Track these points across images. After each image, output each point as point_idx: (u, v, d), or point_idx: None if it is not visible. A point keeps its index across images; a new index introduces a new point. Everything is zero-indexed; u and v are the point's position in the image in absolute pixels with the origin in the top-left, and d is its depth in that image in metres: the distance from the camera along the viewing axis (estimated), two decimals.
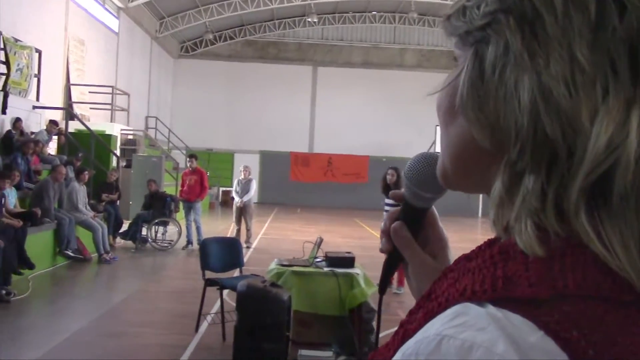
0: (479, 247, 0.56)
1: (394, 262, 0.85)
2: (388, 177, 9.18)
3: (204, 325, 6.57)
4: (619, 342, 0.47)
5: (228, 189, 29.11)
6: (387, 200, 9.24)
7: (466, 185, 0.63)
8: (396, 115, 31.02)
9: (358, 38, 32.25)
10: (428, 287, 0.79)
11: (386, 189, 9.18)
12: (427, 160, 0.79)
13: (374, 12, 31.06)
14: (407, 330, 0.54)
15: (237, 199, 13.19)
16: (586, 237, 0.50)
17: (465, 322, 0.48)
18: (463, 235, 19.24)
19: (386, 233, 0.82)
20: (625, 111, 0.49)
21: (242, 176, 13.28)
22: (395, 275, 9.17)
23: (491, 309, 0.49)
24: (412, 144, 30.31)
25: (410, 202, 0.81)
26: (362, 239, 16.41)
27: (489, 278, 0.51)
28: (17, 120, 11.62)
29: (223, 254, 6.79)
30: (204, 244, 6.79)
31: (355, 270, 5.94)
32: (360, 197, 30.18)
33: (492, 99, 0.53)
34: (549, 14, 0.51)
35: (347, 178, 31.36)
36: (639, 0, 0.50)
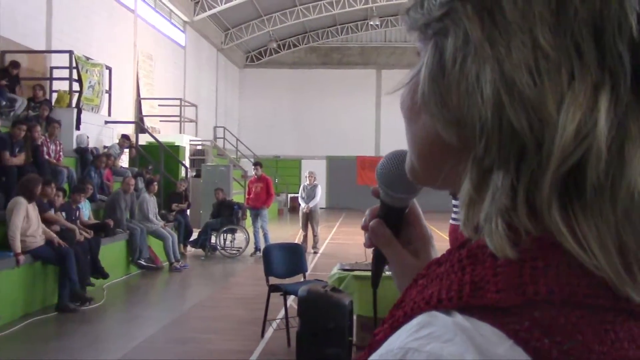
0: (449, 251, 0.53)
1: (381, 256, 0.83)
2: None
3: (269, 331, 6.64)
4: (594, 351, 0.44)
5: (296, 195, 29.32)
6: (454, 201, 9.08)
7: (435, 182, 0.59)
8: None
9: None
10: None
11: None
12: (396, 160, 0.75)
13: None
14: (374, 342, 0.51)
15: (303, 204, 13.29)
16: (559, 235, 0.46)
17: (430, 333, 0.45)
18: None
19: (366, 228, 0.81)
20: (593, 96, 0.46)
21: (308, 182, 13.38)
22: None
23: (459, 318, 0.45)
24: None
25: (384, 201, 0.79)
26: None
27: (456, 284, 0.47)
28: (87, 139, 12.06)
29: (286, 260, 6.83)
30: (267, 250, 6.86)
31: None
32: (426, 198, 29.56)
33: (454, 93, 0.50)
34: None
35: None
36: None
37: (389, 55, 32.00)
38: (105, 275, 9.05)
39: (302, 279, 7.12)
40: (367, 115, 31.71)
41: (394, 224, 0.79)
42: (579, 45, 0.46)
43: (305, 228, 13.31)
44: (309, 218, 13.21)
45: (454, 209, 9.09)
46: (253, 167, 13.70)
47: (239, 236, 13.49)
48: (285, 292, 6.33)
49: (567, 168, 0.45)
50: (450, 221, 9.19)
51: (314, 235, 13.37)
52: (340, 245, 15.03)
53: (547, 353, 0.43)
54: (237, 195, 17.84)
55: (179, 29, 22.38)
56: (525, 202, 0.47)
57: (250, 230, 13.29)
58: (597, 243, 0.45)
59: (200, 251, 12.94)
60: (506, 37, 0.47)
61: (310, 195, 13.26)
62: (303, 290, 5.24)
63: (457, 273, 0.48)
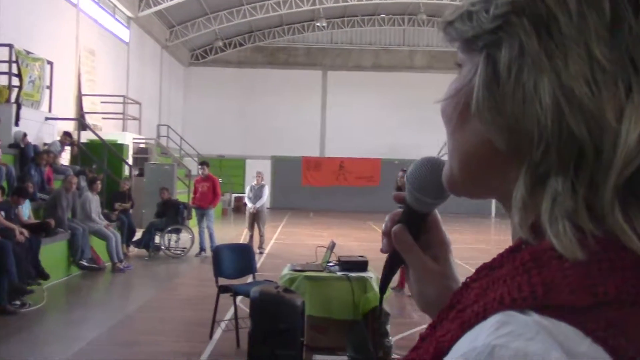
0: (501, 255, 0.55)
1: (395, 263, 0.83)
2: (398, 179, 9.18)
3: (217, 333, 6.57)
4: None
5: (240, 195, 29.16)
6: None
7: (474, 190, 0.62)
8: (407, 117, 30.96)
9: (367, 41, 32.25)
10: (433, 291, 0.77)
11: (399, 191, 9.18)
12: (431, 166, 0.77)
13: (382, 15, 31.03)
14: (440, 342, 0.52)
15: (250, 205, 13.23)
16: (624, 236, 0.48)
17: (512, 331, 0.46)
18: (478, 236, 19.15)
19: (387, 234, 0.81)
20: None
21: (255, 182, 13.33)
22: (396, 277, 9.15)
23: (536, 317, 0.47)
24: (424, 145, 30.23)
25: (411, 206, 0.79)
26: (375, 242, 16.35)
27: (526, 285, 0.49)
28: (24, 136, 11.63)
29: (236, 261, 6.79)
30: (216, 251, 6.79)
31: (369, 274, 5.91)
32: (373, 200, 30.11)
33: (509, 102, 0.53)
34: (563, 14, 0.51)
35: (359, 181, 31.32)
36: None
37: (335, 57, 32.17)
38: (45, 276, 8.77)
39: (251, 280, 7.09)
40: (312, 116, 31.78)
41: (415, 230, 0.80)
42: (633, 59, 0.49)
43: (251, 228, 13.24)
44: (256, 218, 13.16)
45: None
46: (199, 166, 13.55)
47: (184, 236, 13.31)
48: (235, 292, 6.28)
49: (629, 173, 0.48)
50: None
51: (260, 236, 13.34)
52: (285, 246, 15.03)
53: (625, 352, 0.45)
54: (181, 195, 17.60)
55: (122, 24, 21.90)
56: (584, 204, 0.49)
57: (196, 230, 13.14)
58: None
59: (143, 251, 12.70)
60: (562, 50, 0.50)
61: (258, 195, 13.21)
62: (255, 291, 5.22)
63: (523, 275, 0.49)
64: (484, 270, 0.55)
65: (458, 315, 0.52)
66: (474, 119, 0.57)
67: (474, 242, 17.03)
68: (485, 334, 0.47)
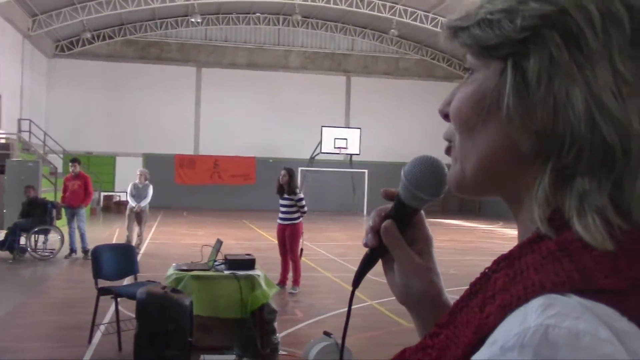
0: (519, 247, 0.59)
1: (375, 257, 0.86)
2: (280, 177, 9.26)
3: (97, 336, 6.32)
4: None
5: (110, 193, 28.10)
6: (282, 201, 9.32)
7: (484, 190, 0.67)
8: (282, 116, 31.21)
9: (242, 39, 32.13)
10: (419, 285, 0.81)
11: (280, 189, 9.29)
12: (431, 165, 0.81)
13: (257, 14, 31.05)
14: (482, 324, 0.55)
15: (133, 203, 12.78)
16: None
17: (559, 312, 0.50)
18: (349, 233, 19.68)
19: (375, 229, 0.83)
20: None
21: (139, 180, 12.93)
22: (290, 276, 9.27)
23: (577, 298, 0.51)
24: (299, 144, 30.66)
25: (405, 202, 0.82)
26: (253, 240, 16.39)
27: (563, 272, 0.53)
28: None
29: (117, 261, 6.56)
30: (96, 252, 6.52)
31: (256, 272, 5.94)
32: (248, 198, 30.11)
33: (540, 108, 0.57)
34: (589, 29, 0.56)
35: (234, 180, 31.15)
36: None
37: (210, 54, 31.77)
38: None
39: (130, 281, 6.89)
40: (186, 113, 31.18)
41: (403, 225, 0.83)
42: None
43: (131, 227, 12.81)
44: (138, 218, 12.78)
45: (281, 209, 9.35)
46: (70, 164, 12.90)
47: (53, 237, 12.62)
48: (117, 294, 6.08)
49: None
50: (278, 221, 9.44)
51: (138, 235, 12.96)
52: (161, 245, 14.69)
53: None
54: (47, 193, 16.68)
55: None
56: (610, 202, 0.56)
57: (65, 230, 12.50)
58: None
59: (7, 254, 11.90)
60: (590, 63, 0.56)
61: (142, 194, 12.83)
62: (142, 292, 5.09)
63: (555, 263, 0.54)
64: (503, 261, 0.59)
65: (488, 301, 0.56)
66: (497, 122, 0.61)
67: (349, 239, 17.49)
68: (534, 315, 0.50)
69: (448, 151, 0.70)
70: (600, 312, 0.50)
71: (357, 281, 0.88)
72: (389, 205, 0.85)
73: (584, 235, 0.54)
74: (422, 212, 0.85)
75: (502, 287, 0.56)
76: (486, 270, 0.61)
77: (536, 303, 0.51)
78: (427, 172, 0.80)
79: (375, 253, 0.85)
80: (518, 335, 0.50)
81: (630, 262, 0.53)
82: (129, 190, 13.08)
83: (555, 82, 0.57)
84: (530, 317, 0.50)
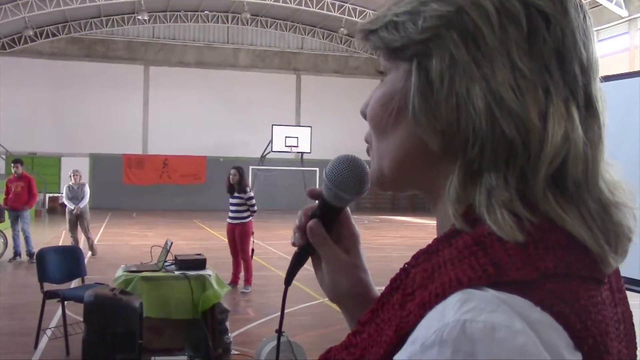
0: (437, 241, 0.60)
1: (304, 256, 0.87)
2: (231, 177, 9.21)
3: (44, 341, 6.17)
4: (590, 311, 0.55)
5: (56, 195, 27.40)
6: (232, 200, 9.27)
7: (402, 186, 0.68)
8: (232, 115, 31.01)
9: (191, 37, 31.78)
10: (346, 282, 0.82)
11: (231, 188, 9.23)
12: (351, 164, 0.81)
13: (206, 12, 30.76)
14: (402, 322, 0.55)
15: (71, 206, 12.42)
16: (558, 218, 0.56)
17: (475, 306, 0.51)
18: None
19: (301, 229, 0.84)
20: (567, 108, 0.58)
21: (73, 181, 12.53)
22: (242, 275, 9.23)
23: (493, 292, 0.52)
24: (249, 143, 30.52)
25: (329, 201, 0.83)
26: (204, 240, 16.24)
27: (477, 266, 0.54)
28: None
29: (63, 264, 6.40)
30: (41, 255, 6.35)
31: (207, 272, 5.90)
32: (198, 198, 29.82)
33: (443, 107, 0.58)
34: (486, 27, 0.58)
35: (184, 179, 30.80)
36: (559, 14, 0.59)
37: (158, 52, 31.32)
38: None
39: (77, 284, 6.74)
40: (134, 112, 30.66)
41: (328, 224, 0.84)
42: (548, 67, 0.58)
43: (74, 231, 12.47)
44: (79, 220, 12.43)
45: (231, 208, 9.31)
46: (13, 165, 12.51)
47: None
48: (64, 297, 5.94)
49: (556, 165, 0.57)
50: (228, 220, 9.38)
51: (88, 238, 12.62)
52: (110, 247, 14.40)
53: (567, 316, 0.53)
54: None
55: None
56: (517, 195, 0.57)
57: (9, 233, 12.14)
58: (583, 225, 0.57)
59: None
60: (489, 59, 0.58)
61: (78, 195, 12.46)
62: (90, 295, 4.99)
63: (471, 257, 0.55)
64: (422, 256, 0.60)
65: (408, 298, 0.57)
66: (406, 122, 0.62)
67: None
68: (452, 311, 0.51)
69: (368, 152, 0.71)
70: (514, 303, 0.51)
71: (288, 279, 0.90)
72: (316, 204, 0.85)
73: (495, 229, 0.55)
74: (348, 209, 0.86)
75: (420, 283, 0.57)
76: (405, 266, 0.61)
77: (453, 299, 0.52)
78: (347, 172, 0.81)
79: (304, 252, 0.86)
80: (437, 332, 0.51)
81: (539, 253, 0.55)
82: (64, 194, 12.63)
83: (457, 81, 0.58)
84: (448, 313, 0.51)
